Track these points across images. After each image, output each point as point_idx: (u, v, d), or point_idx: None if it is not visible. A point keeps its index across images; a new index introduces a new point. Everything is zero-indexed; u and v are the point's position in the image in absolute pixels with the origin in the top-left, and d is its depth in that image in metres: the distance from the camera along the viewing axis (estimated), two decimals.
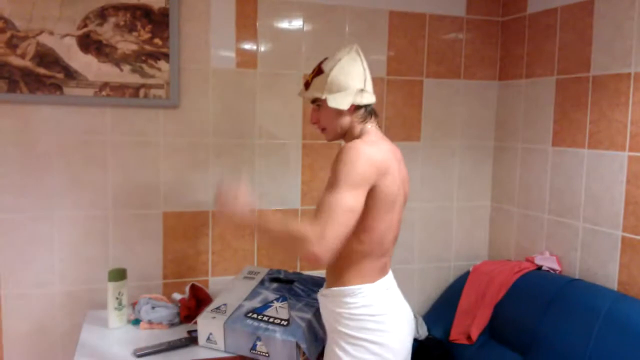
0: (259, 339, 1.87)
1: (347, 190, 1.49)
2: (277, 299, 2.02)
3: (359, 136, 1.69)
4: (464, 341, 2.47)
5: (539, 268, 2.47)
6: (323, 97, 1.67)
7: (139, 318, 2.16)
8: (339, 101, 1.66)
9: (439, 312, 2.74)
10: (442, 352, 2.48)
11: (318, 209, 1.50)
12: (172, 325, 2.16)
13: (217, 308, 1.99)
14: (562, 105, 2.46)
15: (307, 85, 1.73)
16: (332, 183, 1.52)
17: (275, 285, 2.14)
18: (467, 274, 2.71)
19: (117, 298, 2.12)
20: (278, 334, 1.84)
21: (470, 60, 2.81)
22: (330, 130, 1.73)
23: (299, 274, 2.28)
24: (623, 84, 2.16)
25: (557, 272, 2.44)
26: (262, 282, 2.16)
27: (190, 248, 2.46)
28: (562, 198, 2.46)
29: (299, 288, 2.11)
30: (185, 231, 2.44)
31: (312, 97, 1.70)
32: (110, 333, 2.10)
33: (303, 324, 1.87)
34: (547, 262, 2.47)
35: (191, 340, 2.01)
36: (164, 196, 2.40)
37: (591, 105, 2.31)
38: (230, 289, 2.14)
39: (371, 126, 1.71)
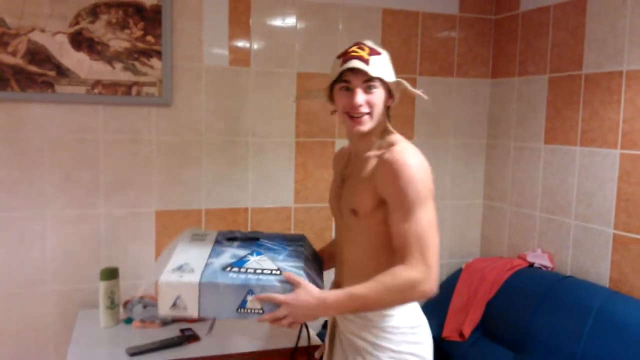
0: (250, 292, 1.52)
1: (423, 206, 1.41)
2: (250, 254, 1.62)
3: (383, 134, 1.57)
4: (457, 338, 2.47)
5: (531, 265, 2.48)
6: (391, 80, 1.50)
7: (131, 317, 2.15)
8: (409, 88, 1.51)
9: (431, 310, 2.74)
10: (434, 350, 2.48)
11: (406, 242, 1.40)
12: (164, 324, 2.15)
13: (179, 267, 1.58)
14: (555, 103, 2.47)
15: (363, 60, 1.47)
16: (405, 207, 1.41)
17: (237, 243, 1.71)
18: (459, 271, 2.71)
19: (109, 297, 2.11)
20: (276, 282, 1.50)
21: (463, 58, 2.81)
22: (375, 118, 1.52)
23: (258, 232, 1.84)
24: (615, 82, 2.17)
25: (549, 269, 2.45)
26: (218, 242, 1.72)
27: None
28: (554, 196, 2.47)
29: (268, 243, 1.71)
30: (177, 230, 2.42)
31: (378, 75, 1.47)
32: (102, 332, 2.09)
33: (301, 272, 1.54)
34: (539, 259, 2.48)
35: (184, 338, 2.01)
36: (157, 195, 2.39)
37: (583, 103, 2.32)
38: (182, 250, 1.68)
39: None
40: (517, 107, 2.69)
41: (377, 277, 1.41)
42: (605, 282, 2.21)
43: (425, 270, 1.38)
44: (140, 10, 2.28)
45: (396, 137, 1.56)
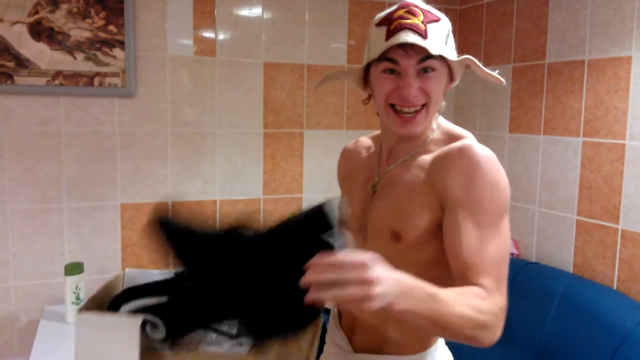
0: None
1: (503, 223, 1.04)
2: None
3: (433, 126, 1.18)
4: None
5: None
6: (455, 58, 1.09)
7: None
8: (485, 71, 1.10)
9: None
10: None
11: (481, 265, 0.99)
12: None
13: None
14: (519, 92, 2.50)
15: (419, 31, 1.04)
16: (483, 218, 1.02)
17: None
18: None
19: (74, 292, 2.07)
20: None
21: None
22: (432, 113, 1.12)
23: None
24: (577, 71, 2.21)
25: (515, 255, 2.49)
26: None
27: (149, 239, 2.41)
28: (518, 183, 2.51)
29: None
30: (144, 223, 2.39)
31: (440, 52, 1.06)
32: (68, 328, 2.05)
33: None
34: None
35: None
36: (121, 187, 2.35)
37: (546, 92, 2.36)
38: None
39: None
40: (482, 96, 2.72)
41: (461, 292, 0.95)
42: (569, 267, 2.26)
43: (502, 311, 0.98)
44: None
45: (453, 127, 1.19)
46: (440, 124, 1.19)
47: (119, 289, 1.18)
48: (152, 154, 2.38)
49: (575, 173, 2.22)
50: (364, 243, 1.18)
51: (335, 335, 1.29)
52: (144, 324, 1.03)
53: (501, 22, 2.59)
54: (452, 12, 2.84)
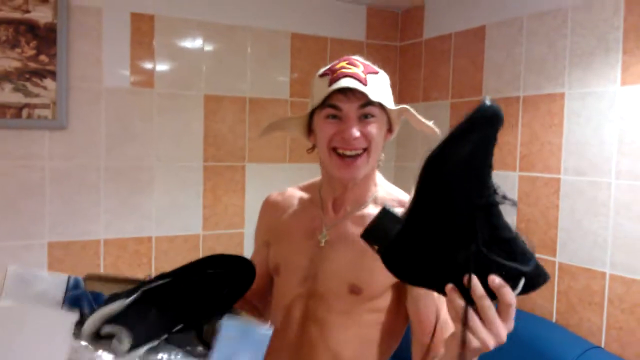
0: None
1: None
2: None
3: (376, 181, 1.23)
4: None
5: None
6: (393, 107, 1.16)
7: None
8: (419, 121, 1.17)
9: None
10: None
11: (433, 322, 1.11)
12: None
13: None
14: None
15: (360, 79, 1.11)
16: None
17: None
18: None
19: None
20: None
21: None
22: (373, 158, 1.16)
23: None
24: (512, 107, 2.27)
25: None
26: None
27: None
28: None
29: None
30: (74, 262, 2.27)
31: (379, 99, 1.12)
32: None
33: None
34: None
35: None
36: (50, 225, 2.22)
37: None
38: None
39: None
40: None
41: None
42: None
43: None
44: (32, 28, 2.13)
45: (394, 187, 1.26)
46: (382, 183, 1.24)
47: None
48: (84, 189, 2.27)
49: (513, 208, 2.26)
50: (309, 292, 1.17)
51: None
52: (109, 339, 0.95)
53: (439, 59, 2.65)
54: (392, 49, 2.88)
